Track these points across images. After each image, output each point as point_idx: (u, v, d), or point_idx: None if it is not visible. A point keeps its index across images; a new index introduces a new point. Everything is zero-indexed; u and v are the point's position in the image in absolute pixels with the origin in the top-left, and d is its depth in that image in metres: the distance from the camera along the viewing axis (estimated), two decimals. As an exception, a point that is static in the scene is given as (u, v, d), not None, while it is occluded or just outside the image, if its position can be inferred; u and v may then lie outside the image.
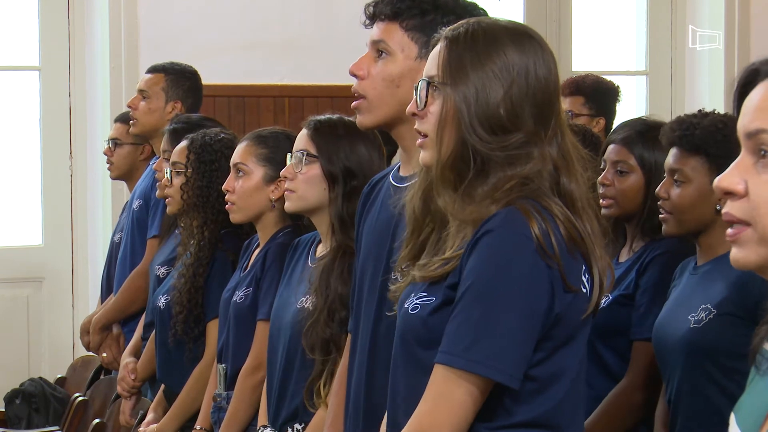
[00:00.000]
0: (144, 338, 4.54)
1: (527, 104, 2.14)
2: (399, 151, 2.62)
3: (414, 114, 2.23)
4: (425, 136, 2.20)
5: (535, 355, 2.08)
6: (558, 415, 2.13)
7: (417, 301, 2.17)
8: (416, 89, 2.22)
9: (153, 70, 5.18)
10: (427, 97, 2.20)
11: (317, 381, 3.15)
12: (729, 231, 1.53)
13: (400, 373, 2.22)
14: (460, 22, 2.22)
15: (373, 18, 2.56)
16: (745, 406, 1.61)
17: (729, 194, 1.52)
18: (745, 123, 1.52)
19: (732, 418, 1.62)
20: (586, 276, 2.13)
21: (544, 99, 2.16)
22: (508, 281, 2.05)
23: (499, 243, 2.07)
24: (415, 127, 2.23)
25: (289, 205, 3.34)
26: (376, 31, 2.55)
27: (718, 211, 2.92)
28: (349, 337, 2.76)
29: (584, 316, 2.13)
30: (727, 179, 1.52)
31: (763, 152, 1.49)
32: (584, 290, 2.12)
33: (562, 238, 2.09)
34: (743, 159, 1.52)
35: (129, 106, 5.13)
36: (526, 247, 2.06)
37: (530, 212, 2.08)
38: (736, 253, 1.53)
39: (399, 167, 2.60)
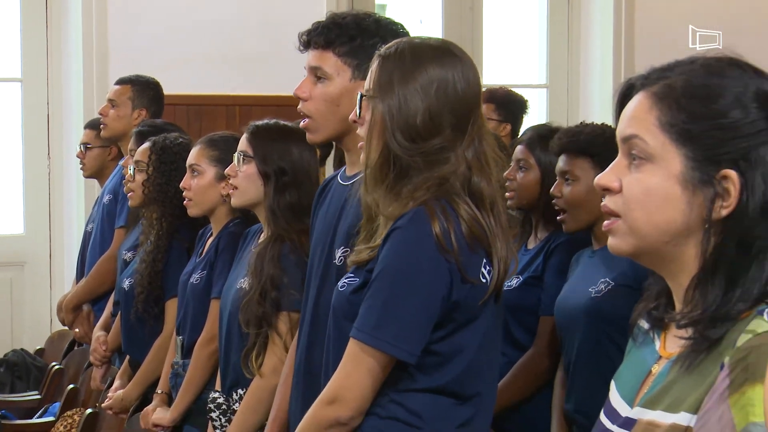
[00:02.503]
0: (113, 314, 4.54)
1: (445, 114, 2.15)
2: (346, 155, 2.62)
3: (355, 121, 2.28)
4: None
5: (436, 334, 2.12)
6: (461, 383, 2.18)
7: (345, 281, 2.22)
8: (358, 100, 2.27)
9: (121, 81, 5.18)
10: (361, 108, 2.24)
11: (251, 352, 3.14)
12: (605, 223, 1.57)
13: (332, 344, 2.26)
14: (394, 41, 2.24)
15: (307, 45, 2.56)
16: (624, 375, 1.62)
17: (607, 190, 1.55)
18: (621, 129, 1.55)
19: (612, 385, 1.63)
20: (487, 268, 2.14)
21: (462, 109, 2.17)
22: (410, 272, 2.09)
23: (404, 238, 2.11)
24: (357, 131, 2.28)
25: (234, 201, 3.34)
26: (312, 57, 2.55)
27: (606, 204, 2.99)
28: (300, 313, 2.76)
29: (482, 301, 2.14)
30: (604, 178, 1.55)
31: (633, 154, 1.52)
32: (483, 280, 2.14)
33: (463, 236, 2.11)
34: (619, 160, 1.55)
35: (100, 114, 5.15)
36: (427, 244, 2.09)
37: (435, 212, 2.10)
38: (611, 242, 1.57)
39: (345, 169, 2.61)
